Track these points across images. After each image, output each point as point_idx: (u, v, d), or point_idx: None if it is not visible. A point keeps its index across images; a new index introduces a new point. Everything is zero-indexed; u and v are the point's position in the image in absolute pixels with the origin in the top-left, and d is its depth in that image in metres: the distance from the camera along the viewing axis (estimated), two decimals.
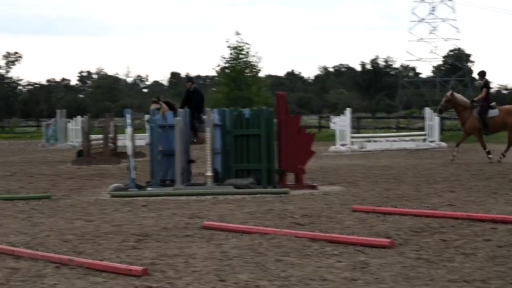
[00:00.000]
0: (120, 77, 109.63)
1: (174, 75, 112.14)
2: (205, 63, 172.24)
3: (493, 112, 24.73)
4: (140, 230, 11.58)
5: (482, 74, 25.76)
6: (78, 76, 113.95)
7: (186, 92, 25.47)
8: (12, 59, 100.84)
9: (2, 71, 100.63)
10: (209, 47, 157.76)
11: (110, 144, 28.93)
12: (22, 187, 18.85)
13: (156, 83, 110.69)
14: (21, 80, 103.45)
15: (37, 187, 18.66)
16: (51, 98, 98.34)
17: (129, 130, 17.62)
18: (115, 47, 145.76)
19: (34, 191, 17.75)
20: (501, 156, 24.10)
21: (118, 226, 12.00)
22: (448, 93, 25.18)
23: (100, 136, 30.29)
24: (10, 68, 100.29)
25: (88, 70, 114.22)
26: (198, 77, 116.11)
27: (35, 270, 8.69)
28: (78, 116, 44.42)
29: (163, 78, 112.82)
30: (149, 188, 16.90)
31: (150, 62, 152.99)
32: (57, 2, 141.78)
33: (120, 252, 9.76)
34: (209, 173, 16.79)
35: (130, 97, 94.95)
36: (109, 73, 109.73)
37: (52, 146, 43.16)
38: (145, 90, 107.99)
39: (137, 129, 27.77)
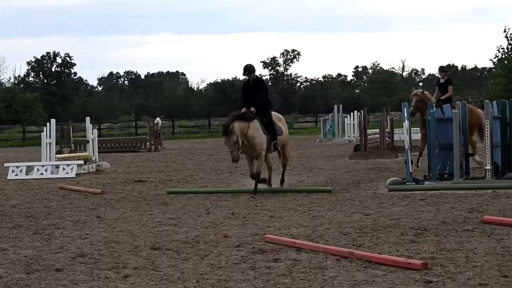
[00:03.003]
0: (396, 71, 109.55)
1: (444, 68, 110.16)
2: (482, 54, 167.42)
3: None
4: (418, 224, 11.50)
5: (444, 69, 23.12)
6: (354, 72, 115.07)
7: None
8: (291, 56, 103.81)
9: (281, 69, 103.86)
10: (486, 38, 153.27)
11: (386, 139, 29.01)
12: (301, 181, 19.32)
13: (431, 76, 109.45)
14: (299, 76, 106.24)
15: (316, 181, 19.04)
16: (328, 94, 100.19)
17: (406, 123, 17.58)
18: (390, 42, 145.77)
19: (313, 185, 18.16)
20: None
21: (396, 220, 12.00)
22: (419, 91, 21.45)
23: (376, 130, 30.46)
24: (289, 65, 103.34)
25: (363, 65, 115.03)
26: (473, 69, 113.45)
27: (316, 262, 8.89)
28: (355, 111, 44.94)
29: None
30: (426, 182, 16.73)
31: (425, 55, 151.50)
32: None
33: (399, 246, 9.75)
34: (488, 167, 16.36)
35: (406, 91, 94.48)
36: (385, 68, 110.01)
37: (330, 141, 43.93)
38: (421, 84, 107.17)
39: (413, 123, 27.59)
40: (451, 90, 21.78)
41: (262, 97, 16.96)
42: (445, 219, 11.88)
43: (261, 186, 16.92)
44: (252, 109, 16.59)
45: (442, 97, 21.38)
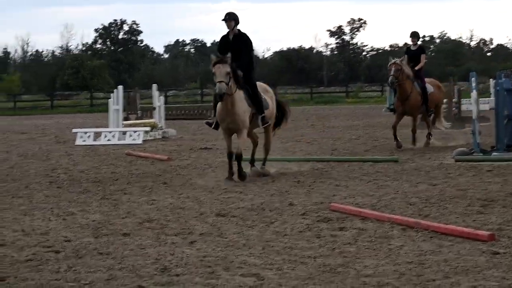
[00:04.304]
0: (464, 41, 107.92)
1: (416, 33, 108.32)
2: None
3: (429, 88, 19.67)
4: (486, 195, 11.36)
5: (416, 34, 20.36)
6: (421, 41, 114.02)
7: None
8: (357, 25, 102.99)
9: (347, 38, 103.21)
10: None
11: (453, 109, 28.67)
12: (367, 150, 19.23)
13: (500, 46, 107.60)
14: (365, 46, 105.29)
15: (381, 150, 18.94)
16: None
17: (474, 94, 17.33)
18: (458, 11, 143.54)
19: (378, 154, 18.06)
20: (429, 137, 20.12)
21: (463, 191, 11.87)
22: (397, 60, 19.12)
23: (444, 100, 30.11)
24: (355, 34, 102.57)
25: (430, 34, 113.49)
26: None
27: (381, 232, 8.86)
28: None
29: (508, 41, 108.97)
30: (494, 153, 16.50)
31: (493, 25, 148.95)
32: None
33: (466, 217, 9.66)
34: None
35: (474, 61, 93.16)
36: (452, 38, 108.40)
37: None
38: (489, 54, 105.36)
39: (481, 93, 27.20)
40: (424, 59, 19.76)
41: (246, 57, 13.86)
42: None
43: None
44: (239, 71, 13.57)
45: (416, 68, 19.36)
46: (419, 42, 20.26)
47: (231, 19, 13.77)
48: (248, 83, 13.81)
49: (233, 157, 13.64)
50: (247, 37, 13.96)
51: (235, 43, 13.72)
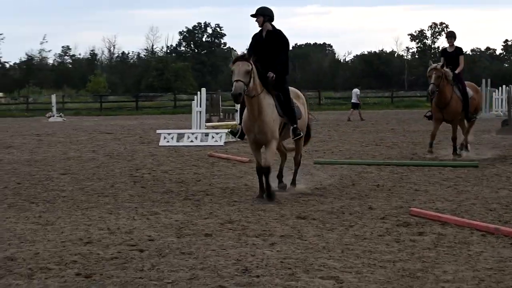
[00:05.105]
0: None
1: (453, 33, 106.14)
2: None
3: (469, 92, 18.09)
4: None
5: (453, 34, 18.63)
6: (503, 45, 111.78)
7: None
8: (438, 29, 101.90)
9: (429, 41, 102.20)
10: None
11: None
12: (446, 155, 18.96)
13: None
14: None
15: (462, 156, 18.66)
16: (476, 67, 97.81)
17: None
18: None
19: (459, 159, 17.80)
20: (464, 147, 18.64)
21: None
22: (438, 65, 17.38)
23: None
24: (436, 38, 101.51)
25: None
26: None
27: (461, 237, 8.78)
28: (503, 86, 43.75)
29: None
30: None
31: None
32: None
33: None
34: None
35: None
36: None
37: (477, 116, 42.95)
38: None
39: None
40: (463, 61, 18.12)
41: (283, 59, 12.06)
42: None
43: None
44: (272, 74, 11.77)
45: (456, 71, 17.82)
46: (455, 43, 18.51)
47: (260, 14, 12.03)
48: (280, 88, 12.02)
49: (267, 173, 11.94)
50: (283, 35, 12.14)
51: (268, 42, 12.01)
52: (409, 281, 6.88)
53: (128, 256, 8.05)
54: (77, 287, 6.85)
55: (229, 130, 12.65)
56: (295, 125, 12.11)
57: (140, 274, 7.26)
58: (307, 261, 7.69)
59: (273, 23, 12.21)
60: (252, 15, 12.15)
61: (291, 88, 12.58)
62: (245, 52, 11.86)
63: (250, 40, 12.30)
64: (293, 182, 13.17)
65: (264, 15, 11.99)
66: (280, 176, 13.10)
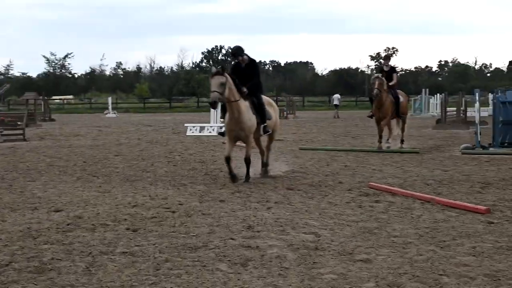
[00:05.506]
0: (470, 65, 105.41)
1: (388, 56, 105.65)
2: None
3: (400, 97, 17.38)
4: (484, 179, 11.13)
5: (388, 57, 18.31)
6: (438, 64, 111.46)
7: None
8: (391, 52, 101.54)
9: (383, 61, 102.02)
10: None
11: (461, 115, 28.09)
12: (396, 144, 18.91)
13: (497, 69, 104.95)
14: (397, 67, 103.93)
15: (408, 145, 18.58)
16: (418, 80, 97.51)
17: (477, 104, 16.99)
18: (466, 42, 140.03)
19: (405, 147, 17.74)
20: (402, 142, 17.56)
21: (467, 176, 11.65)
22: (379, 75, 16.79)
23: (454, 108, 29.52)
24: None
25: (445, 59, 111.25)
26: None
27: (406, 204, 8.76)
28: (437, 94, 43.72)
29: (503, 65, 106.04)
30: (491, 149, 16.15)
31: (493, 53, 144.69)
32: None
33: (469, 195, 9.48)
34: None
35: (477, 80, 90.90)
36: (461, 62, 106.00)
37: (418, 116, 42.91)
38: (488, 75, 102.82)
39: (482, 104, 26.60)
40: (396, 77, 17.34)
41: (255, 81, 11.48)
42: (504, 176, 11.46)
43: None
44: (245, 89, 11.18)
45: (390, 83, 17.03)
46: (390, 63, 17.82)
47: (239, 55, 11.43)
48: (255, 97, 11.43)
49: (230, 160, 11.22)
50: (256, 63, 11.64)
51: (247, 69, 11.42)
52: (368, 236, 6.87)
53: (163, 216, 8.06)
54: (126, 238, 6.86)
55: (218, 132, 11.97)
56: (264, 124, 11.52)
57: (172, 229, 7.27)
58: (294, 220, 7.69)
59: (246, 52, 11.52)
60: (234, 56, 11.56)
61: (266, 98, 11.99)
62: (223, 67, 11.03)
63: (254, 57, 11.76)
64: (266, 162, 12.22)
65: (242, 54, 11.37)
66: (265, 165, 12.19)
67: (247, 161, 11.34)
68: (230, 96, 10.85)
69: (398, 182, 10.88)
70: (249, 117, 11.18)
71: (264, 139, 12.32)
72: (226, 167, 11.40)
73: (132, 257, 6.04)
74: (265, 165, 12.19)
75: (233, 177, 11.11)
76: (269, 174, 11.96)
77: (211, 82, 10.74)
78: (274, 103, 12.41)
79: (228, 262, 5.83)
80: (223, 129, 11.67)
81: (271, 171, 12.11)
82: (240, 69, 11.44)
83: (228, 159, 11.17)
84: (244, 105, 11.11)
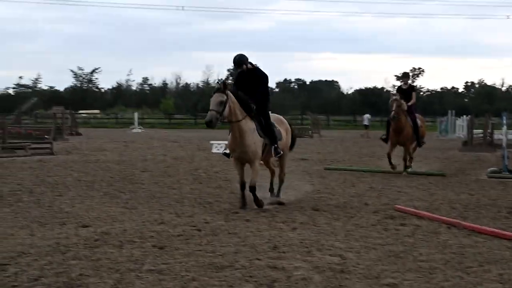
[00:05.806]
0: (497, 86, 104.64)
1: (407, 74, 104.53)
2: None
3: (418, 122, 16.62)
4: (511, 204, 11.02)
5: (407, 75, 17.30)
6: (464, 85, 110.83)
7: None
8: (417, 72, 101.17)
9: (410, 81, 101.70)
10: None
11: (488, 137, 27.87)
12: (421, 166, 18.84)
13: None
14: (423, 87, 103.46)
15: (433, 167, 18.55)
16: (443, 101, 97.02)
17: (504, 127, 16.86)
18: (494, 65, 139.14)
19: (431, 170, 17.65)
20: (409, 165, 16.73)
21: (494, 200, 11.56)
22: (398, 97, 16.10)
23: (480, 130, 29.30)
24: (415, 79, 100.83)
25: (472, 80, 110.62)
26: None
27: (432, 228, 8.73)
28: (464, 115, 43.44)
29: None
30: None
31: None
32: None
33: (496, 220, 9.42)
34: None
35: (505, 102, 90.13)
36: (488, 83, 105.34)
37: (444, 137, 42.63)
38: None
39: (510, 127, 26.37)
40: (415, 96, 16.64)
41: (262, 90, 10.41)
42: None
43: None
44: (253, 105, 10.23)
45: (409, 103, 16.36)
46: (409, 81, 17.19)
47: (240, 65, 10.35)
48: (262, 114, 10.41)
49: (245, 187, 10.35)
50: (262, 72, 10.50)
51: (251, 78, 10.35)
52: (394, 260, 6.86)
53: (190, 234, 8.11)
54: (153, 255, 6.93)
55: (223, 152, 11.15)
56: (275, 145, 10.51)
57: (199, 247, 7.32)
58: (320, 242, 7.70)
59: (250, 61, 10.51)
60: (239, 66, 10.39)
61: (276, 115, 11.14)
62: (224, 83, 10.17)
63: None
64: (278, 195, 11.31)
65: (245, 64, 10.34)
66: (271, 190, 11.42)
67: (252, 190, 10.17)
68: (230, 116, 10.04)
69: (424, 205, 10.83)
70: (254, 140, 10.20)
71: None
72: (239, 191, 10.54)
73: (159, 275, 6.10)
74: (275, 194, 11.32)
75: (243, 203, 10.30)
76: (279, 200, 11.01)
77: (211, 100, 10.00)
78: (285, 121, 11.35)
79: (255, 282, 5.87)
80: (228, 149, 10.72)
81: (283, 199, 11.18)
82: (244, 77, 10.39)
83: (243, 186, 10.32)
84: (248, 127, 10.16)
